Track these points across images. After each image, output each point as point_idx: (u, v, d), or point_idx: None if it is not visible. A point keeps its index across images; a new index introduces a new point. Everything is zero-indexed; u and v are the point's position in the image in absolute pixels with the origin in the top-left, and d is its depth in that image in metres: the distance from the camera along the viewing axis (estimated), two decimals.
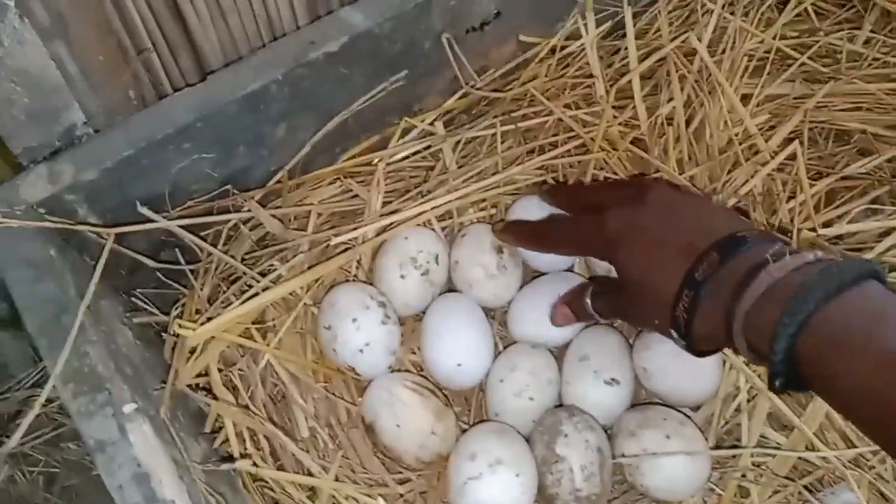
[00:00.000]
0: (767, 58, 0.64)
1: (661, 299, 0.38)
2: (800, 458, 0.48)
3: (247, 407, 0.48)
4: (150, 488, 0.34)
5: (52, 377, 0.37)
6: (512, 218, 0.55)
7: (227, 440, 0.46)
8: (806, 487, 0.46)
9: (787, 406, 0.48)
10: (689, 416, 0.49)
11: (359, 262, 0.55)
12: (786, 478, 0.47)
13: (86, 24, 0.45)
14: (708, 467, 0.47)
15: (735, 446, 0.49)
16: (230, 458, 0.45)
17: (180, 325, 0.46)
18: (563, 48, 0.64)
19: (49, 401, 0.67)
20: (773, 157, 0.57)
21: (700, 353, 0.39)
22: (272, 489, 0.47)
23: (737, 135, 0.59)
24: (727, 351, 0.50)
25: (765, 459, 0.48)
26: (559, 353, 0.54)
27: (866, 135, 0.61)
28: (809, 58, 0.63)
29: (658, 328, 0.40)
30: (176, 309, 0.53)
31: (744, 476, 0.48)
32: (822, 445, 0.47)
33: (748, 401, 0.50)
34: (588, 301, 0.47)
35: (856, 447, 0.47)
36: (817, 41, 0.64)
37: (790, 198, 0.57)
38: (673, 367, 0.50)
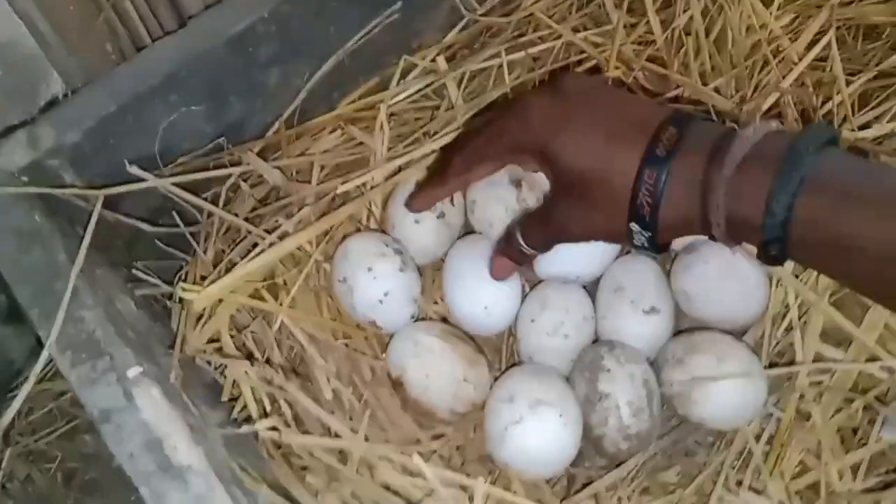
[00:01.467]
0: None
1: (616, 189, 0.33)
2: (861, 371, 0.44)
3: (264, 371, 0.44)
4: (164, 455, 0.31)
5: (47, 346, 0.34)
6: None
7: (245, 408, 0.43)
8: (873, 400, 0.43)
9: (843, 318, 0.44)
10: (738, 339, 0.46)
11: (369, 211, 0.52)
12: (851, 390, 0.43)
13: None
14: (764, 389, 0.44)
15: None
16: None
17: (184, 289, 0.43)
18: None
19: (61, 393, 0.65)
20: (801, 59, 0.53)
21: (663, 247, 0.35)
22: (299, 456, 0.44)
23: (760, 41, 0.55)
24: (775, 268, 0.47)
25: (823, 378, 0.45)
26: (591, 289, 0.50)
27: None
28: None
29: (609, 230, 0.36)
30: (179, 276, 0.49)
31: (803, 397, 0.44)
32: (885, 354, 0.43)
33: (799, 318, 0.46)
34: (520, 239, 0.42)
35: None
36: None
37: (824, 101, 0.53)
38: (716, 288, 0.46)
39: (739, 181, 0.30)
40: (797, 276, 0.46)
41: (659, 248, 0.35)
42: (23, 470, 0.60)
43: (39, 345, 0.64)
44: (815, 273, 0.46)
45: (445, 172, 0.43)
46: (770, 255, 0.30)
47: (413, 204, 0.47)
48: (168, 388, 0.35)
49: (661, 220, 0.33)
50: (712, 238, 0.33)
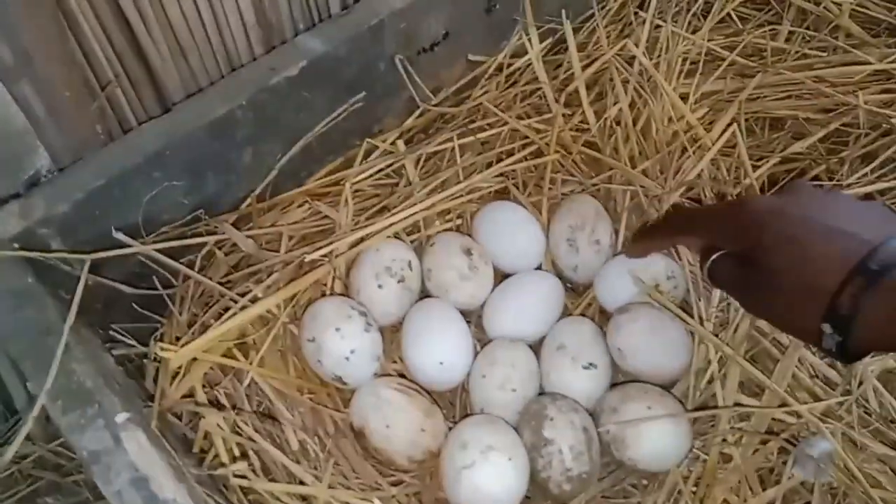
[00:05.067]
0: (699, 59, 0.68)
1: (816, 289, 0.34)
2: (774, 418, 0.50)
3: (235, 423, 0.48)
4: (151, 491, 0.34)
5: (41, 395, 0.37)
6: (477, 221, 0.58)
7: (216, 457, 0.46)
8: (785, 441, 0.48)
9: (756, 370, 0.50)
10: (667, 390, 0.51)
11: (334, 277, 0.56)
12: (766, 433, 0.49)
13: (51, 60, 0.46)
14: (689, 433, 0.49)
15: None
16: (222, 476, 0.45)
17: (162, 348, 0.47)
18: (509, 65, 0.67)
19: (23, 457, 0.66)
20: (714, 144, 0.61)
21: (853, 356, 0.34)
22: None
23: (678, 130, 0.63)
24: (693, 322, 0.52)
25: (742, 424, 0.50)
26: (535, 348, 0.55)
27: (798, 120, 0.66)
28: (738, 56, 0.67)
29: (799, 326, 0.36)
30: (154, 338, 0.53)
31: (724, 440, 0.49)
32: (794, 402, 0.49)
33: (720, 370, 0.52)
34: (706, 263, 0.42)
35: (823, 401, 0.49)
36: (742, 41, 0.69)
37: (736, 182, 0.61)
38: (646, 345, 0.52)
39: None
40: (716, 335, 0.52)
41: (847, 355, 0.34)
42: None
43: (6, 407, 0.65)
44: (733, 330, 0.53)
45: (659, 231, 0.50)
46: None
47: (630, 252, 0.54)
48: (150, 433, 0.38)
49: (859, 327, 0.33)
50: None
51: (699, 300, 0.54)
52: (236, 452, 0.47)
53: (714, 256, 0.41)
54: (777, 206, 0.38)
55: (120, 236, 0.48)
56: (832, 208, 0.37)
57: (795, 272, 0.35)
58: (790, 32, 0.71)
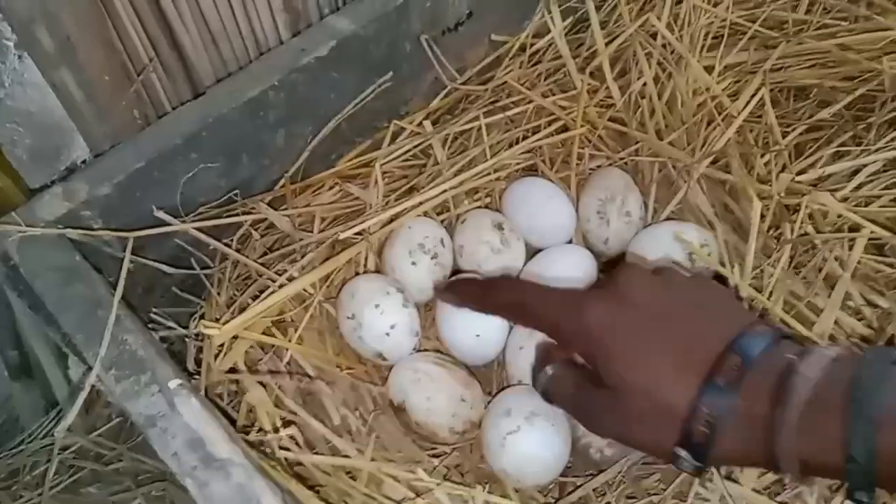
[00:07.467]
0: (722, 33, 0.68)
1: (668, 412, 0.32)
2: None
3: (277, 398, 0.48)
4: (207, 451, 0.35)
5: (95, 365, 0.38)
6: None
7: (260, 431, 0.47)
8: None
9: (801, 326, 0.50)
10: None
11: (367, 256, 0.57)
12: None
13: (92, 45, 0.47)
14: None
15: None
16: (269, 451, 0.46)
17: (205, 326, 0.47)
18: (531, 45, 0.68)
19: (64, 448, 0.67)
20: (740, 113, 0.61)
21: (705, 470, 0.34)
22: (310, 479, 0.47)
23: (705, 101, 0.63)
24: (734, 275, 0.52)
25: None
26: None
27: (824, 88, 0.66)
28: (760, 27, 0.67)
29: (650, 446, 0.35)
30: (194, 319, 0.53)
31: None
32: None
33: None
34: (541, 376, 0.40)
35: None
36: (764, 13, 0.69)
37: (763, 152, 0.61)
38: None
39: (810, 426, 0.29)
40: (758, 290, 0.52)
41: (701, 471, 0.34)
42: None
43: (46, 401, 0.67)
44: (767, 295, 0.52)
45: (489, 298, 0.43)
46: (859, 499, 0.30)
47: (442, 296, 0.50)
48: (202, 399, 0.39)
49: (715, 452, 0.32)
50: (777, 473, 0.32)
51: (733, 268, 0.54)
52: (280, 426, 0.47)
53: (550, 370, 0.39)
54: (611, 317, 0.35)
55: (161, 215, 0.49)
56: (673, 308, 0.35)
57: (642, 398, 0.33)
58: (811, 3, 0.71)
